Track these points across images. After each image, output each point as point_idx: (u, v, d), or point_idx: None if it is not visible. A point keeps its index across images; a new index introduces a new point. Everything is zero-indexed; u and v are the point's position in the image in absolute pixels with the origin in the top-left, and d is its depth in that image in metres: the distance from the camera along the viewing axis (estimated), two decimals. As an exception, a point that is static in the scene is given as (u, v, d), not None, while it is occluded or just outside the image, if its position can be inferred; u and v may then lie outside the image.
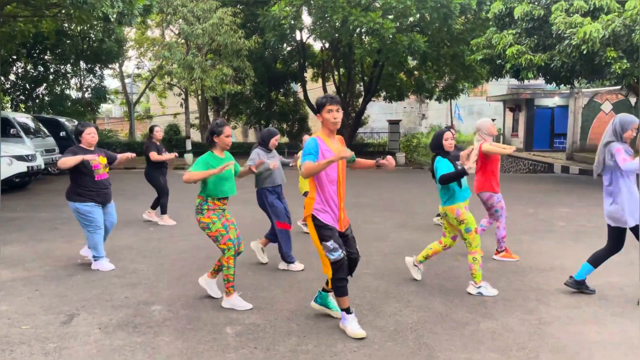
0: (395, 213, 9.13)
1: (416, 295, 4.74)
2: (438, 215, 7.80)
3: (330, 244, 3.75)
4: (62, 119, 16.97)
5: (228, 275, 4.40)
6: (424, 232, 7.49)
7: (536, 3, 12.35)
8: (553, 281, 5.16)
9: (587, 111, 20.01)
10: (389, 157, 4.08)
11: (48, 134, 14.65)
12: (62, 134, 15.83)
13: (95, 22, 11.68)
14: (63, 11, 12.27)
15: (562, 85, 15.38)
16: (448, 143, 4.70)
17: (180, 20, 16.81)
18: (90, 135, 5.47)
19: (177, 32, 18.53)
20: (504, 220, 5.89)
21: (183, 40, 18.16)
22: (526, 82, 19.99)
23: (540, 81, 23.26)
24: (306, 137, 5.36)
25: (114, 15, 9.43)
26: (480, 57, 14.29)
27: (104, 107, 50.02)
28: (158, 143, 8.01)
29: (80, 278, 5.28)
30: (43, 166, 12.26)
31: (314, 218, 3.82)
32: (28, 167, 11.50)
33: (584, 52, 10.66)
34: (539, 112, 23.95)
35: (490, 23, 14.48)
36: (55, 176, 14.44)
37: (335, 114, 3.79)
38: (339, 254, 3.76)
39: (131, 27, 12.90)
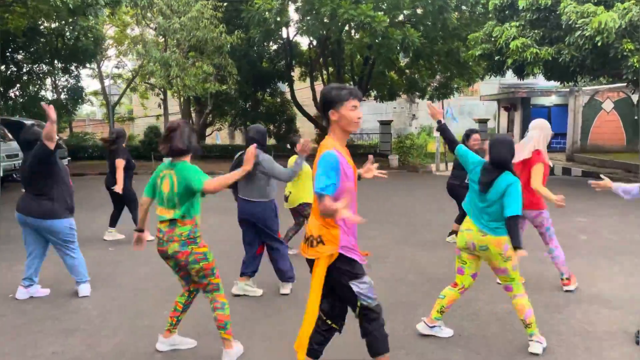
0: (394, 225, 8.08)
1: (430, 345, 3.70)
2: (453, 233, 6.70)
3: (368, 279, 2.79)
4: (29, 122, 15.75)
5: (225, 317, 3.41)
6: (430, 249, 6.46)
7: (543, -9, 11.39)
8: (597, 319, 4.15)
9: (588, 110, 19.17)
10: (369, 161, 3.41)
11: (11, 137, 13.43)
12: (28, 137, 14.61)
13: (54, 14, 10.47)
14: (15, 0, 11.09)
15: (566, 82, 14.47)
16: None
17: (157, 14, 15.65)
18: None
19: (154, 27, 17.34)
20: (556, 238, 4.90)
21: (161, 37, 17.00)
22: (518, 80, 19.19)
23: (533, 80, 22.49)
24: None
25: (71, 4, 8.30)
26: (479, 53, 13.33)
27: (88, 108, 48.65)
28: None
29: (7, 321, 4.17)
30: (1, 173, 11.09)
31: (341, 257, 2.76)
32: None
33: (598, 43, 9.71)
34: (535, 111, 23.08)
35: (490, 16, 13.52)
36: (18, 184, 13.21)
37: (359, 112, 2.78)
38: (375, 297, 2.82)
39: (97, 17, 11.72)
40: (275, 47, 22.55)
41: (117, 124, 32.11)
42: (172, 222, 3.32)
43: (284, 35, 21.03)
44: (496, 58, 13.45)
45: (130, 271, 5.57)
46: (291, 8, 18.32)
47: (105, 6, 9.77)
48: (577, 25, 10.16)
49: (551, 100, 22.97)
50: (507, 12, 12.55)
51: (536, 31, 11.55)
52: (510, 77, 24.67)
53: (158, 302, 4.53)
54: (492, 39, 12.49)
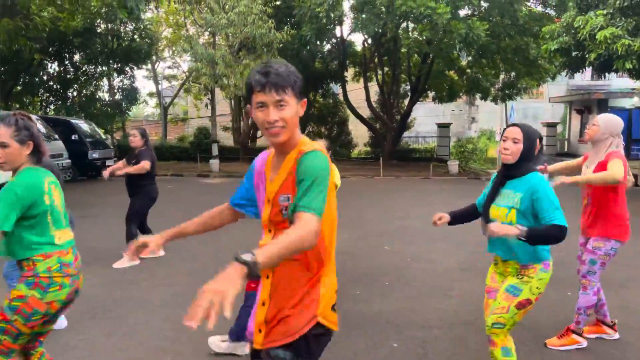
0: (456, 245, 6.82)
1: None
2: None
3: None
4: (76, 121, 15.62)
5: None
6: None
7: (637, -27, 9.76)
8: None
9: (677, 113, 16.99)
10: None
11: (56, 137, 13.21)
12: (74, 137, 14.45)
13: (95, 8, 10.00)
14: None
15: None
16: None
17: (206, 10, 15.06)
18: None
19: (203, 25, 16.83)
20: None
21: (209, 34, 16.43)
22: (589, 82, 17.25)
23: (605, 81, 20.24)
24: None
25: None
26: (556, 47, 11.78)
27: (149, 110, 49.68)
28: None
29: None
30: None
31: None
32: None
33: None
34: (614, 114, 20.96)
35: (570, 4, 11.90)
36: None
37: (271, 113, 1.67)
38: None
39: (138, 11, 11.20)
40: (328, 46, 21.67)
41: (171, 125, 32.29)
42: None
43: (337, 34, 20.11)
44: (574, 53, 11.87)
45: (142, 296, 4.69)
46: (346, 5, 17.37)
47: (148, 1, 9.14)
48: (681, 11, 8.55)
49: (632, 103, 20.73)
50: (590, 0, 10.96)
51: (628, 20, 9.91)
52: (580, 79, 22.56)
53: (158, 347, 3.61)
54: (573, 31, 10.93)
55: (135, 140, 5.78)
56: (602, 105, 20.86)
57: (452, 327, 4.00)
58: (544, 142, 21.02)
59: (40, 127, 13.06)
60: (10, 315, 2.35)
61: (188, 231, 2.03)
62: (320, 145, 1.73)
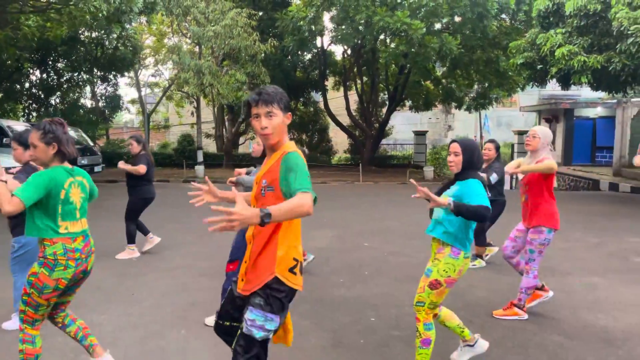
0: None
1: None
2: (479, 257, 6.21)
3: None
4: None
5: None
6: (468, 272, 5.95)
7: (591, -4, 10.74)
8: (666, 358, 3.62)
9: (637, 122, 18.11)
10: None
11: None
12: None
13: (89, 21, 10.49)
14: (48, 7, 11.18)
15: (615, 92, 13.65)
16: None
17: (193, 22, 15.66)
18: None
19: (189, 35, 17.40)
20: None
21: (196, 45, 17.04)
22: (560, 91, 18.22)
23: (575, 90, 21.43)
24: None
25: (105, 12, 8.23)
26: (521, 61, 12.74)
27: (127, 116, 49.66)
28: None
29: (12, 339, 3.94)
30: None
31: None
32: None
33: (653, 51, 9.05)
34: (579, 124, 22.10)
35: (533, 22, 12.89)
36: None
37: (262, 122, 2.36)
38: None
39: (131, 25, 11.73)
40: (309, 56, 22.38)
41: (153, 132, 32.60)
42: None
43: (318, 44, 20.83)
44: (539, 67, 12.82)
45: (150, 285, 5.31)
46: (326, 17, 18.11)
47: (139, 14, 9.70)
48: (629, 32, 9.49)
49: (596, 112, 21.91)
50: (552, 19, 11.93)
51: (584, 38, 10.90)
52: (551, 88, 23.73)
53: (171, 323, 4.24)
54: (535, 47, 11.88)
55: (133, 147, 6.40)
56: (568, 114, 22.00)
57: (422, 306, 4.72)
58: (515, 149, 22.16)
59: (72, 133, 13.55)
60: (29, 289, 2.95)
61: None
62: (300, 148, 2.47)
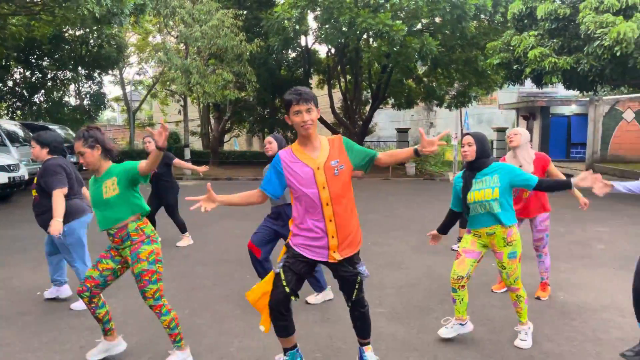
0: (409, 232, 8.13)
1: (444, 348, 3.76)
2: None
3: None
4: (54, 127, 16.17)
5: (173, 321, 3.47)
6: (445, 257, 6.49)
7: (561, 1, 11.37)
8: (611, 327, 4.17)
9: (608, 120, 18.96)
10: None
11: (36, 142, 13.78)
12: (53, 142, 14.99)
13: (80, 22, 10.77)
14: (42, 8, 11.42)
15: (585, 91, 14.36)
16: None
17: (179, 22, 15.96)
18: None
19: (176, 35, 17.69)
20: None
21: (182, 45, 17.34)
22: (538, 90, 19.03)
23: (552, 88, 22.33)
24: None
25: (97, 14, 8.54)
26: (497, 62, 13.35)
27: (109, 114, 49.48)
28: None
29: (34, 318, 4.34)
30: (27, 177, 11.43)
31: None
32: (9, 177, 10.68)
33: (617, 53, 9.67)
34: (554, 121, 22.92)
35: (509, 25, 13.53)
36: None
37: (305, 116, 2.85)
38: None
39: (121, 26, 12.01)
40: (293, 55, 22.72)
41: (137, 130, 32.69)
42: None
43: (303, 44, 21.21)
44: (514, 67, 13.44)
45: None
46: (310, 17, 18.53)
47: (129, 15, 10.01)
48: (595, 35, 10.13)
49: (571, 110, 22.75)
50: (525, 22, 12.55)
51: (555, 40, 11.54)
52: (529, 86, 24.53)
53: (175, 304, 4.66)
54: (511, 48, 12.50)
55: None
56: (544, 112, 22.81)
57: (401, 288, 5.23)
58: (495, 145, 22.87)
59: (19, 131, 13.73)
60: (155, 268, 3.36)
61: (233, 201, 3.09)
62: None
